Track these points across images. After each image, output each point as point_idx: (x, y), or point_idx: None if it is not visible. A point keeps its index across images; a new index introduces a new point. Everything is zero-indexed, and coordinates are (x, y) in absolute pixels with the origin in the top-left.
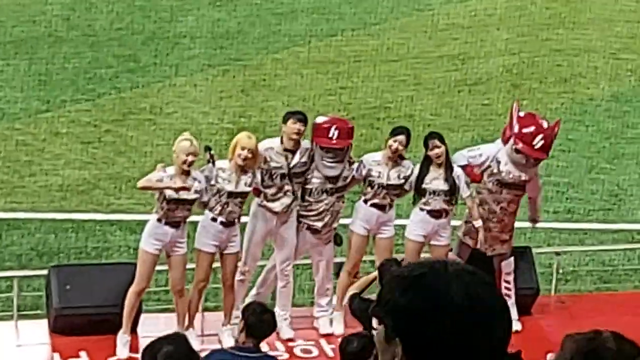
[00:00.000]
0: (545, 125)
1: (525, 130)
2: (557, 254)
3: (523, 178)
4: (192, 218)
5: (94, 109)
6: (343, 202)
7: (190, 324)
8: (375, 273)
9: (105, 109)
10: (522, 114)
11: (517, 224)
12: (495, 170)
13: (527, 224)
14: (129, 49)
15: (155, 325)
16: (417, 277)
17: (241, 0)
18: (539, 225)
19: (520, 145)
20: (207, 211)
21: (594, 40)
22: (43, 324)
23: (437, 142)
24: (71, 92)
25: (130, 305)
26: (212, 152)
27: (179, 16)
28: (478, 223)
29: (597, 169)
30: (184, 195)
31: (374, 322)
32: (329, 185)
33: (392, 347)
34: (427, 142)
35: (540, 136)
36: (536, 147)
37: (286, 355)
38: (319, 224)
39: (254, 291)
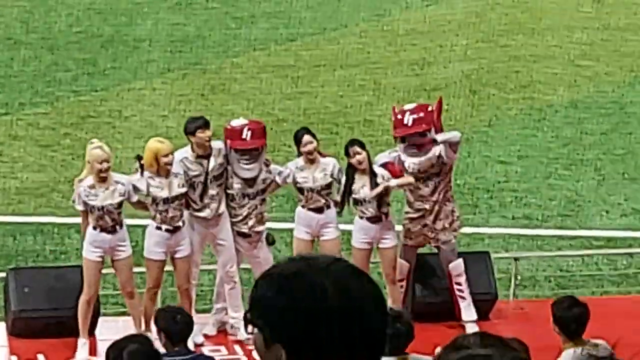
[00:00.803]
0: (420, 105)
1: (397, 117)
2: (516, 259)
3: (425, 163)
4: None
5: (53, 112)
6: (265, 205)
7: (148, 328)
8: None
9: (64, 112)
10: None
11: (474, 230)
12: (405, 165)
13: (485, 230)
14: (87, 52)
15: (114, 329)
16: (288, 277)
17: (200, 4)
18: (497, 230)
19: (396, 131)
20: (150, 220)
21: (552, 47)
22: (1, 327)
23: (357, 149)
24: (30, 95)
25: (83, 314)
26: (143, 161)
27: (138, 20)
28: (392, 183)
29: (555, 175)
30: (108, 200)
31: (249, 328)
32: (249, 190)
33: (274, 352)
34: (347, 149)
35: (405, 115)
36: (409, 124)
37: (245, 359)
38: (245, 228)
39: (213, 310)
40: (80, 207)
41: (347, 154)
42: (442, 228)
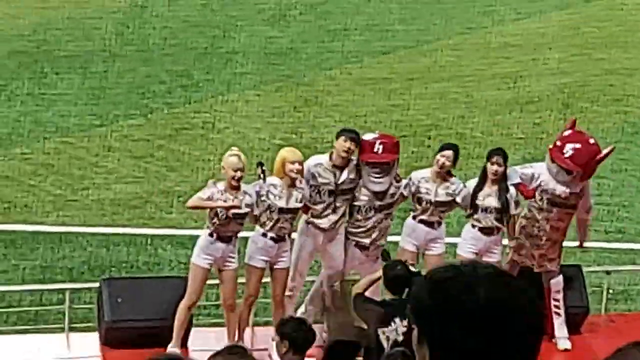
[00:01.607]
0: (586, 140)
1: (561, 141)
2: (608, 273)
3: (567, 192)
4: (243, 234)
5: (147, 124)
6: (391, 219)
7: (240, 338)
8: (379, 273)
9: (158, 124)
10: (570, 131)
11: (567, 243)
12: (545, 188)
13: (577, 244)
14: (182, 65)
15: (206, 340)
16: (444, 280)
17: (294, 17)
18: (590, 244)
19: (553, 153)
20: (257, 226)
21: None
22: (94, 337)
23: (500, 160)
24: (124, 108)
25: (181, 320)
26: (264, 167)
27: (232, 33)
28: (512, 243)
29: None
30: (235, 209)
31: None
32: (377, 202)
33: (423, 349)
34: (491, 155)
35: (570, 146)
36: (565, 155)
37: None
38: (367, 241)
39: (302, 309)
40: (203, 196)
41: (488, 158)
42: (551, 259)
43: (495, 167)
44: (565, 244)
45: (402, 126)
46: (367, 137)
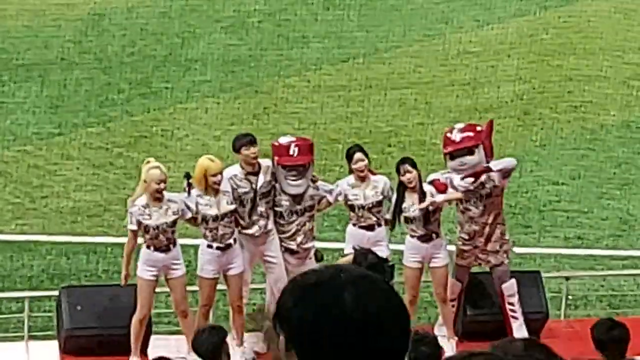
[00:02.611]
0: (470, 125)
1: (446, 135)
2: (567, 278)
3: (477, 183)
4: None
5: (106, 132)
6: (314, 222)
7: None
8: (350, 257)
9: (117, 132)
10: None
11: (525, 250)
12: (456, 185)
13: (535, 250)
14: (140, 73)
15: (166, 347)
16: (309, 287)
17: (252, 25)
18: (549, 250)
19: (445, 148)
20: (202, 239)
21: (605, 68)
22: (54, 345)
23: (408, 167)
24: (83, 116)
25: (136, 333)
26: (191, 180)
27: (191, 41)
28: (439, 198)
29: (608, 195)
30: (161, 219)
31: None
32: (297, 206)
33: (290, 356)
34: (398, 167)
35: (454, 132)
36: (456, 140)
37: None
38: (293, 244)
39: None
40: (133, 227)
41: (398, 171)
42: (493, 250)
43: (407, 175)
44: (524, 250)
45: (361, 133)
46: (282, 140)
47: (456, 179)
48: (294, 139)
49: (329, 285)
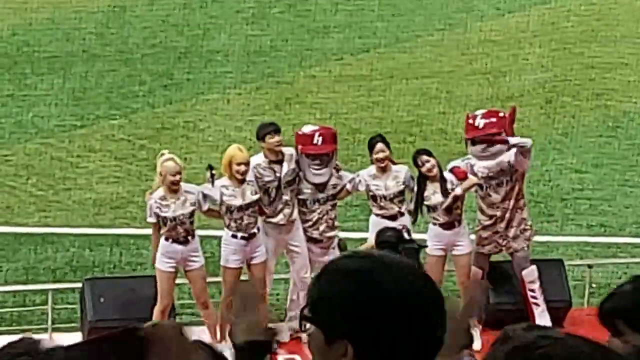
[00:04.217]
0: (493, 112)
1: (469, 121)
2: (590, 266)
3: (495, 168)
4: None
5: (128, 125)
6: (336, 210)
7: (223, 338)
8: (371, 243)
9: (139, 125)
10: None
11: (549, 238)
12: (476, 171)
13: (559, 239)
14: (162, 65)
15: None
16: (350, 272)
17: (274, 16)
18: (572, 238)
19: (467, 134)
20: (225, 229)
21: (627, 55)
22: (78, 337)
23: (425, 157)
24: (105, 108)
25: None
26: (214, 172)
27: (212, 32)
28: (458, 191)
29: (631, 183)
30: (179, 211)
31: (305, 325)
32: (320, 195)
33: (336, 348)
34: (415, 160)
35: (477, 118)
36: (480, 127)
37: None
38: (316, 233)
39: (287, 317)
40: (152, 220)
41: (415, 164)
42: (513, 236)
43: (426, 165)
44: (547, 238)
45: (383, 123)
46: (306, 129)
47: (477, 163)
48: (317, 127)
49: (371, 271)
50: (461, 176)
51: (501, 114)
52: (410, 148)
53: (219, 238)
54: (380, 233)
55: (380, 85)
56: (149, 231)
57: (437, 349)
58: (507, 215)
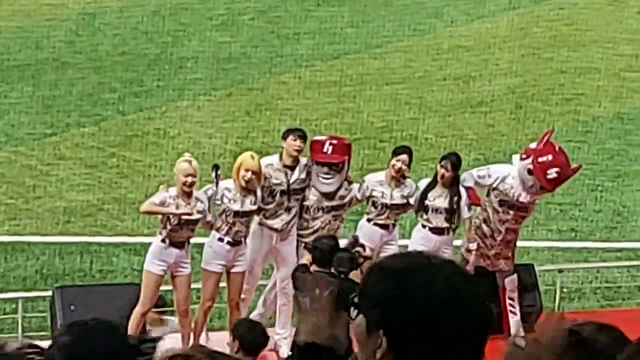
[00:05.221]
0: (566, 162)
1: (545, 158)
2: (560, 271)
3: (522, 199)
4: (197, 239)
5: (99, 132)
6: (341, 222)
7: (196, 343)
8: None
9: (110, 132)
10: (553, 141)
11: (519, 243)
12: (501, 188)
13: (529, 243)
14: (133, 72)
15: (161, 345)
16: (401, 270)
17: (244, 23)
18: (543, 244)
19: (535, 170)
20: (213, 231)
21: (597, 60)
22: (47, 345)
23: (447, 165)
24: (76, 116)
25: (135, 326)
26: (219, 172)
27: (183, 40)
28: (473, 246)
29: (601, 187)
30: (186, 217)
31: (352, 313)
32: (326, 203)
33: (374, 338)
34: (443, 159)
35: (556, 169)
36: (549, 177)
37: None
38: None
39: (255, 312)
40: (156, 201)
41: (441, 161)
42: (506, 257)
43: (442, 170)
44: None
45: (354, 129)
46: (319, 137)
47: (512, 179)
48: (330, 136)
49: (420, 269)
50: (476, 202)
51: (570, 165)
52: (381, 154)
53: (199, 245)
54: (317, 240)
55: (351, 91)
56: (119, 239)
57: (475, 357)
58: (508, 237)
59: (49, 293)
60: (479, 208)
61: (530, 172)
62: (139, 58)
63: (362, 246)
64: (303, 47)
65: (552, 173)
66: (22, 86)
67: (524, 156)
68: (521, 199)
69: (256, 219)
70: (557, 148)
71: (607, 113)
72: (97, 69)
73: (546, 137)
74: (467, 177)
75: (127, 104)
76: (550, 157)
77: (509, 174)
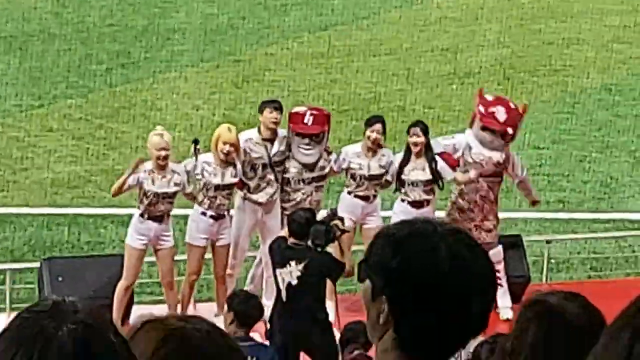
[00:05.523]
0: (510, 104)
1: (488, 108)
2: (548, 242)
3: (495, 159)
4: (183, 211)
5: (86, 104)
6: (321, 193)
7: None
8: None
9: (98, 104)
10: (489, 96)
11: (507, 214)
12: (469, 159)
13: (518, 214)
14: (120, 44)
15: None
16: (406, 237)
17: None
18: (531, 214)
19: (484, 120)
20: (196, 205)
21: (584, 32)
22: None
23: (418, 132)
24: (63, 88)
25: (119, 300)
26: (199, 146)
27: (171, 11)
28: (473, 174)
29: (589, 159)
30: (163, 188)
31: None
32: (307, 175)
33: (378, 304)
34: (409, 129)
35: (503, 110)
36: (498, 118)
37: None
38: None
39: (245, 288)
40: (131, 182)
41: (408, 131)
42: (488, 229)
43: (414, 138)
44: (506, 215)
45: (342, 101)
46: (298, 109)
47: (478, 148)
48: (310, 107)
49: (425, 236)
50: (453, 164)
51: (520, 110)
52: None
53: (184, 217)
54: (293, 213)
55: (338, 62)
56: (107, 210)
57: (475, 329)
58: (486, 206)
59: (37, 265)
60: (454, 184)
61: (483, 127)
62: (127, 29)
63: (341, 219)
64: (291, 19)
65: (500, 112)
66: (8, 58)
67: (471, 122)
68: (494, 161)
69: (240, 193)
70: (494, 98)
71: (595, 84)
72: (84, 41)
73: (478, 98)
74: (434, 144)
75: (114, 76)
76: (488, 103)
77: (472, 143)
